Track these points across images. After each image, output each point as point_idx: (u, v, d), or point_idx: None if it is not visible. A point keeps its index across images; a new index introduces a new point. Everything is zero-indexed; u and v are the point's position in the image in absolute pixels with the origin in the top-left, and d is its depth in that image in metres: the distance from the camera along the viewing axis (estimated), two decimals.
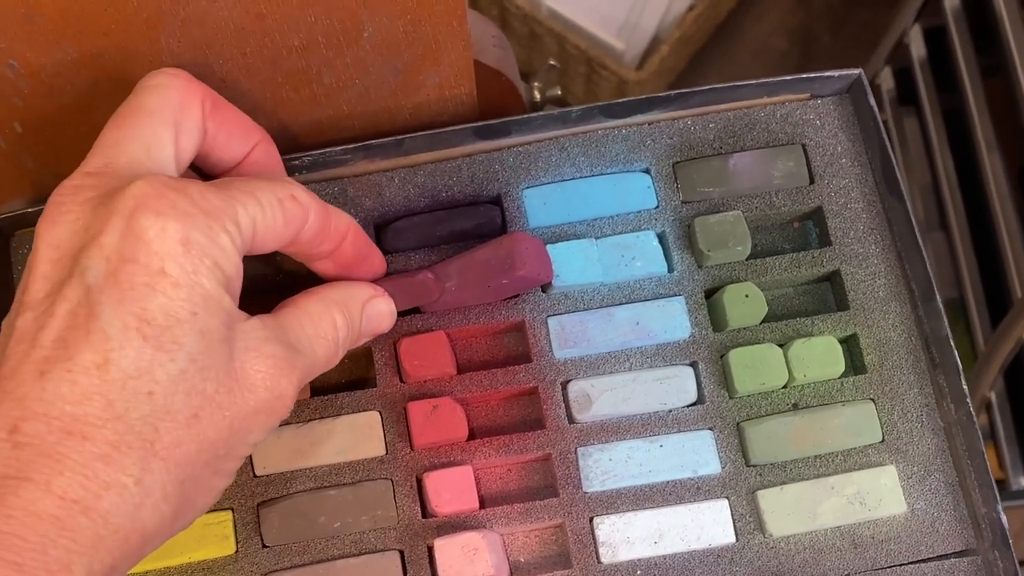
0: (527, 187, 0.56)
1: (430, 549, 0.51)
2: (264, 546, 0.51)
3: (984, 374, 1.25)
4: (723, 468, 0.52)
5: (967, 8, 1.29)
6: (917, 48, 1.39)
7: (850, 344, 0.54)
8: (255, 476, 0.52)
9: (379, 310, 0.48)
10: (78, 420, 0.35)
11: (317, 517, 0.51)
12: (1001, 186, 1.21)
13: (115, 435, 0.36)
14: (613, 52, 1.52)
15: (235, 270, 0.40)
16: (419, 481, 0.52)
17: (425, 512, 0.52)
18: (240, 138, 0.46)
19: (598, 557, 0.51)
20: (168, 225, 0.37)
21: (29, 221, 0.55)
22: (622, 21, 1.52)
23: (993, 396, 1.29)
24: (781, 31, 1.72)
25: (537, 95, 0.72)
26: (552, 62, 0.70)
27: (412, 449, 0.52)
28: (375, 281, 0.50)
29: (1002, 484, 1.31)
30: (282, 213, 0.42)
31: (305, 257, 0.47)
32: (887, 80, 1.47)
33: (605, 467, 0.52)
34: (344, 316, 0.45)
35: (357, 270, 0.49)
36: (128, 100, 0.43)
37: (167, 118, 0.42)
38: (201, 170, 0.47)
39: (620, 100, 0.55)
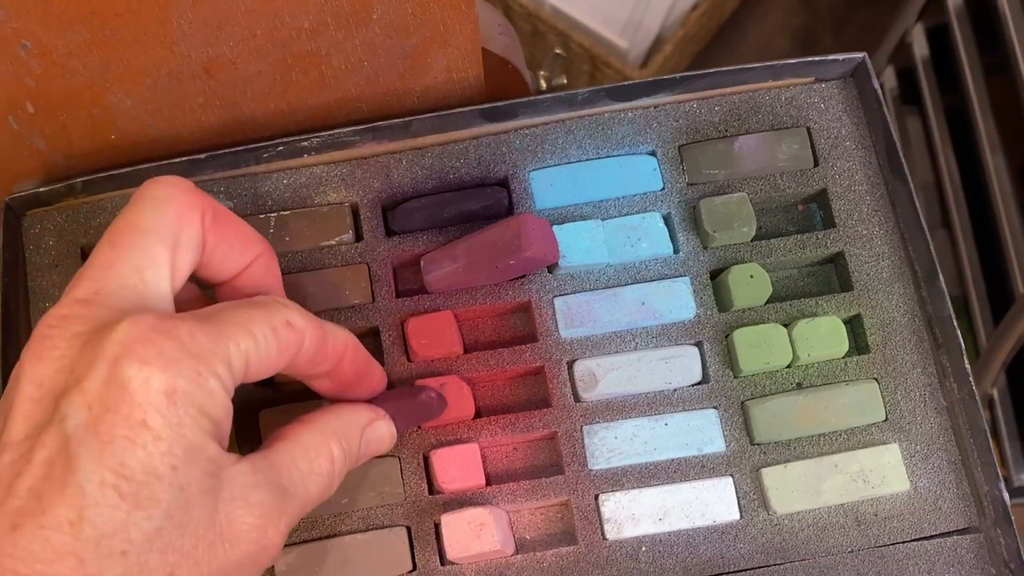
0: (534, 169, 0.56)
1: (437, 526, 0.51)
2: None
3: (986, 371, 1.25)
4: (727, 446, 0.52)
5: (970, 7, 1.29)
6: (920, 47, 1.39)
7: (854, 324, 0.54)
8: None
9: (379, 434, 0.47)
10: None
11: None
12: (1004, 184, 1.21)
13: None
14: (617, 50, 1.53)
15: (223, 413, 0.38)
16: (426, 459, 0.52)
17: (432, 489, 0.52)
18: (240, 251, 0.44)
19: (603, 534, 0.51)
20: (152, 375, 0.36)
21: (40, 201, 0.56)
22: (626, 20, 1.52)
23: (995, 393, 1.29)
24: (784, 31, 1.72)
25: (543, 83, 0.73)
26: (558, 51, 0.71)
27: (420, 427, 0.52)
28: (375, 400, 0.48)
29: (1005, 481, 1.31)
30: (276, 342, 0.40)
31: (302, 377, 0.45)
32: (890, 79, 1.48)
33: (611, 445, 0.52)
34: (342, 447, 0.44)
35: (356, 388, 0.47)
36: (124, 213, 0.41)
37: (163, 236, 0.40)
38: (197, 280, 0.46)
39: (626, 83, 0.56)
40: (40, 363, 0.37)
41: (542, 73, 0.72)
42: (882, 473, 0.51)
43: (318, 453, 0.43)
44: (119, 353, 0.36)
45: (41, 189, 0.55)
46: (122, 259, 0.39)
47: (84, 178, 0.55)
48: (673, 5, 1.51)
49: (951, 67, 1.30)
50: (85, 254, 0.56)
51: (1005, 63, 1.14)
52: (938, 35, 1.38)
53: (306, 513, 0.42)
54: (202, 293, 0.47)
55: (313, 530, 0.51)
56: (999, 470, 0.50)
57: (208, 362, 0.37)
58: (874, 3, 1.69)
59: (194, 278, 0.44)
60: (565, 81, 0.72)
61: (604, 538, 0.51)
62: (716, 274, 0.55)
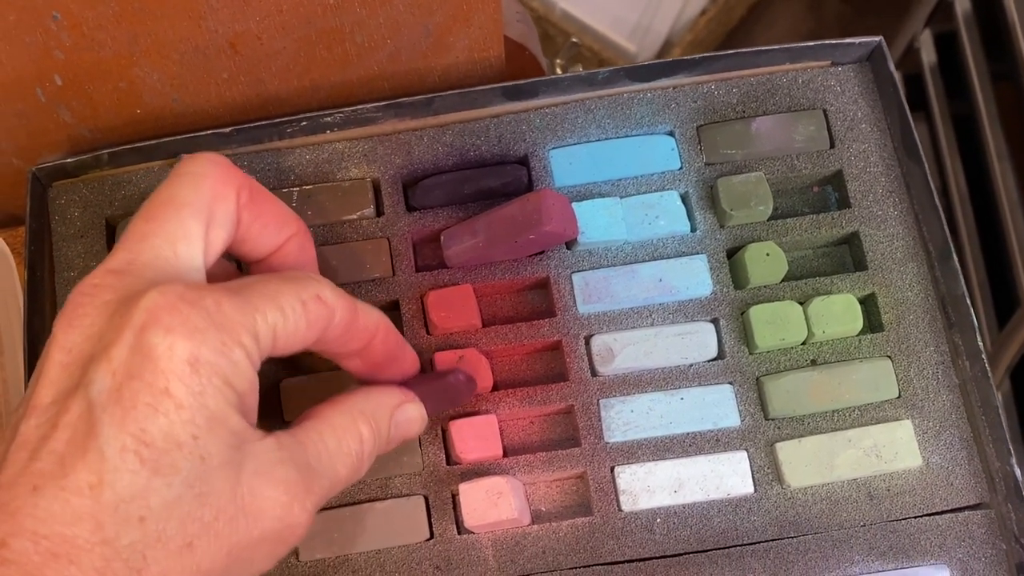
0: (553, 147, 0.57)
1: (454, 495, 0.52)
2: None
3: (991, 375, 1.25)
4: (742, 421, 0.53)
5: (978, 13, 1.30)
6: (927, 53, 1.40)
7: (868, 303, 0.55)
8: (284, 421, 0.53)
9: (409, 416, 0.46)
10: (66, 541, 0.34)
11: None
12: (1011, 191, 1.22)
13: (102, 560, 0.34)
14: (625, 54, 1.54)
15: (248, 385, 0.38)
16: (444, 429, 0.53)
17: (449, 459, 0.53)
18: (275, 229, 0.45)
19: (619, 505, 0.52)
20: (176, 343, 0.36)
21: (66, 172, 0.56)
22: (634, 24, 1.53)
23: (999, 397, 1.29)
24: (791, 38, 1.73)
25: (559, 71, 0.74)
26: (574, 39, 0.71)
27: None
28: (406, 383, 0.48)
29: None
30: (305, 316, 0.40)
31: (333, 355, 0.45)
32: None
33: (627, 418, 0.53)
34: (371, 427, 0.44)
35: (387, 370, 0.47)
36: (161, 188, 0.41)
37: (199, 210, 0.41)
38: (232, 257, 0.46)
39: (646, 63, 0.56)
40: (71, 330, 0.37)
41: (558, 61, 0.73)
42: (895, 449, 0.52)
43: (346, 432, 0.43)
44: (145, 321, 0.36)
45: (67, 160, 0.56)
46: (156, 232, 0.40)
47: (110, 150, 0.56)
48: (682, 10, 1.52)
49: (959, 74, 1.30)
50: (110, 225, 0.56)
51: (1013, 70, 1.15)
52: (946, 42, 1.38)
53: (334, 494, 0.42)
54: (237, 271, 0.47)
55: (332, 498, 0.52)
56: (1010, 446, 0.51)
57: (234, 333, 0.37)
58: (881, 10, 1.70)
59: (229, 256, 0.45)
60: (581, 69, 0.72)
61: (619, 509, 0.52)
62: (732, 253, 0.55)
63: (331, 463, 0.41)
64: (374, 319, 0.45)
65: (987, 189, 1.25)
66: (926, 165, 0.54)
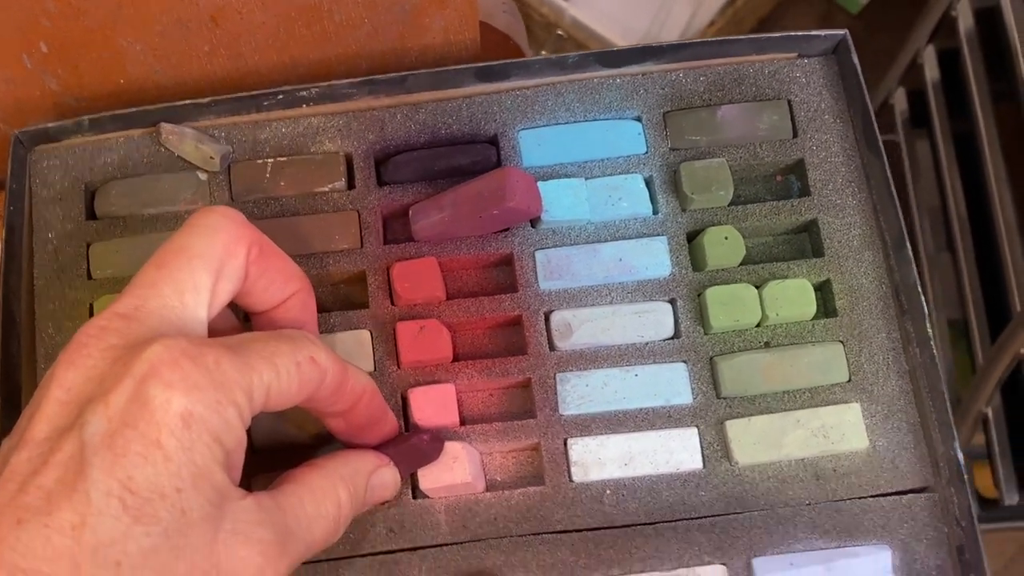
0: (523, 128, 0.58)
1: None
2: (255, 450, 0.53)
3: (982, 389, 1.26)
4: (694, 399, 0.54)
5: (981, 31, 1.30)
6: (931, 69, 1.41)
7: (823, 289, 0.56)
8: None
9: (384, 481, 0.49)
10: None
11: (307, 427, 0.54)
12: (1008, 212, 1.22)
13: None
14: None
15: (236, 443, 0.39)
16: (404, 397, 0.54)
17: (408, 427, 0.54)
18: (280, 286, 0.46)
19: (570, 476, 0.53)
20: (174, 397, 0.37)
21: (48, 137, 0.58)
22: (644, 32, 1.55)
23: (990, 412, 1.30)
24: None
25: None
26: (560, 32, 0.73)
27: (399, 367, 0.54)
28: (381, 447, 0.50)
29: (995, 503, 1.32)
30: (298, 376, 0.41)
31: (318, 413, 0.46)
32: (900, 101, 1.49)
33: (582, 392, 0.54)
34: (349, 492, 0.45)
35: (368, 432, 0.49)
36: (175, 236, 0.42)
37: (209, 262, 0.42)
38: (236, 308, 0.47)
39: (615, 49, 0.58)
40: (72, 369, 0.39)
41: (544, 53, 0.74)
42: (842, 430, 0.53)
43: (326, 496, 0.44)
44: (147, 372, 0.37)
45: (49, 125, 0.57)
46: (166, 280, 0.41)
47: (90, 116, 0.57)
48: (691, 21, 1.54)
49: (961, 92, 1.31)
50: (88, 191, 0.58)
51: (1014, 91, 1.15)
52: (949, 58, 1.39)
53: (308, 557, 0.43)
54: (237, 321, 0.49)
55: (290, 463, 0.53)
56: (955, 431, 0.52)
57: (230, 391, 0.39)
58: (892, 27, 1.71)
59: (232, 305, 0.46)
60: None
61: (571, 480, 0.53)
62: (693, 236, 0.57)
63: (309, 527, 0.43)
64: (362, 383, 0.46)
65: (985, 207, 1.25)
66: (885, 158, 0.56)
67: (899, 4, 1.66)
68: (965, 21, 1.33)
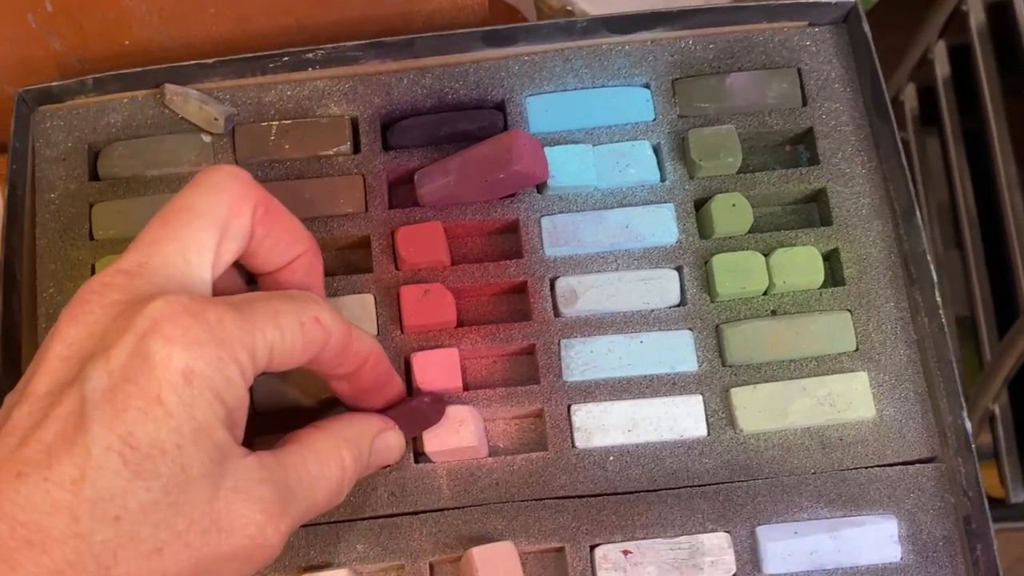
0: (530, 94, 0.58)
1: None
2: (255, 412, 0.53)
3: (989, 386, 1.25)
4: (699, 366, 0.54)
5: (992, 27, 1.30)
6: (941, 65, 1.40)
7: (832, 258, 0.56)
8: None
9: (388, 444, 0.48)
10: (42, 531, 0.35)
11: (310, 390, 0.53)
12: (1018, 209, 1.21)
13: (74, 554, 0.35)
14: None
15: (238, 401, 0.39)
16: (407, 361, 0.54)
17: (411, 392, 0.53)
18: (286, 246, 0.45)
19: (573, 442, 0.53)
20: (175, 353, 0.37)
21: (52, 96, 0.58)
22: None
23: (997, 409, 1.29)
24: None
25: None
26: (568, 7, 0.72)
27: (402, 331, 0.54)
28: (384, 410, 0.49)
29: (1002, 501, 1.31)
30: (302, 336, 0.41)
31: (323, 375, 0.46)
32: (911, 98, 1.48)
33: (586, 358, 0.54)
34: (353, 454, 0.45)
35: (373, 396, 0.49)
36: (180, 195, 0.42)
37: (214, 221, 0.41)
38: (242, 268, 0.47)
39: (625, 14, 0.57)
40: (74, 324, 0.38)
41: None
42: (849, 399, 0.53)
43: (329, 458, 0.44)
44: (148, 328, 0.37)
45: (53, 84, 0.57)
46: (170, 238, 0.41)
47: (95, 75, 0.57)
48: None
49: (972, 90, 1.30)
50: (92, 151, 0.58)
51: None
52: (960, 55, 1.38)
53: (310, 518, 0.43)
54: (242, 282, 0.49)
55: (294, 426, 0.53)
56: (962, 401, 0.51)
57: (232, 349, 0.38)
58: (901, 25, 1.70)
59: (238, 266, 0.46)
60: None
61: (573, 446, 0.53)
62: (701, 205, 0.56)
63: (311, 487, 0.42)
64: (367, 346, 0.46)
65: (994, 204, 1.25)
66: (895, 126, 0.55)
67: (910, 0, 1.66)
68: (976, 16, 1.32)
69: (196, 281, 0.41)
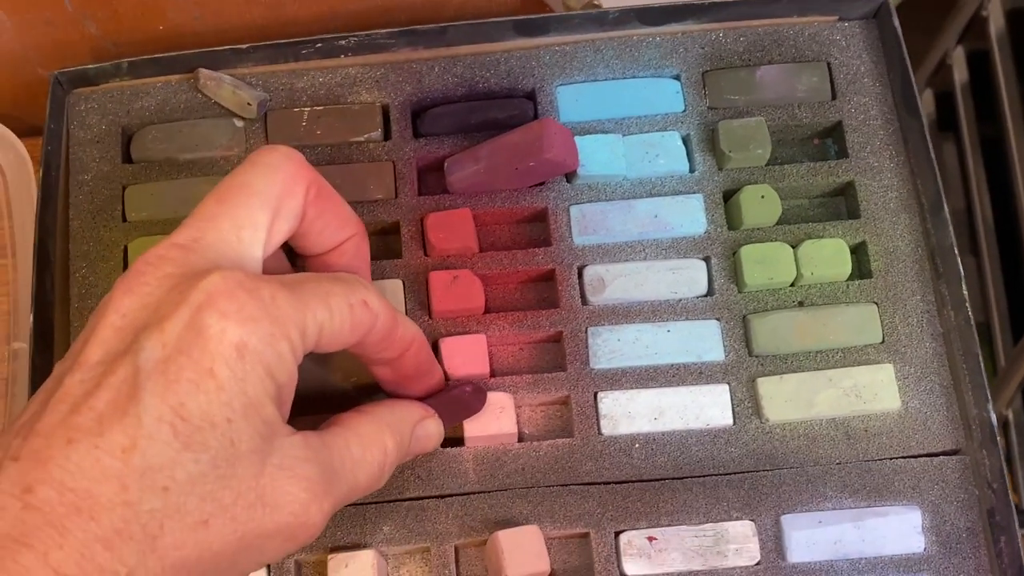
0: (561, 84, 0.58)
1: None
2: (298, 395, 0.53)
3: (1003, 391, 1.25)
4: (726, 356, 0.54)
5: (1012, 32, 1.30)
6: (959, 71, 1.40)
7: (859, 251, 0.56)
8: None
9: (428, 432, 0.49)
10: (91, 497, 0.35)
11: (352, 376, 0.54)
12: None
13: (122, 522, 0.35)
14: None
15: (288, 378, 0.40)
16: (435, 347, 0.54)
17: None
18: (336, 228, 0.46)
19: (599, 429, 0.53)
20: (229, 327, 0.37)
21: (87, 79, 0.58)
22: None
23: (1010, 415, 1.29)
24: None
25: None
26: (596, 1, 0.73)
27: (431, 317, 0.54)
28: (425, 399, 0.50)
29: (1015, 507, 1.31)
30: (350, 318, 0.42)
31: (366, 359, 0.47)
32: (928, 103, 1.48)
33: (613, 346, 0.54)
34: (395, 440, 0.45)
35: (414, 383, 0.49)
36: (235, 173, 0.42)
37: (268, 200, 0.42)
38: (291, 250, 0.48)
39: (656, 5, 0.58)
40: (129, 295, 0.39)
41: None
42: (875, 390, 0.53)
43: (372, 442, 0.44)
44: (203, 301, 0.38)
45: (88, 67, 0.58)
46: (225, 214, 0.41)
47: (130, 59, 0.58)
48: None
49: (990, 96, 1.30)
50: (126, 134, 0.58)
51: None
52: (978, 60, 1.38)
53: (351, 501, 0.43)
54: (289, 264, 0.49)
55: (322, 411, 0.53)
56: (988, 393, 0.52)
57: (284, 326, 0.39)
58: (920, 27, 1.70)
59: (287, 247, 0.46)
60: None
61: (600, 433, 0.53)
62: (729, 196, 0.56)
63: (353, 470, 0.43)
64: (411, 332, 0.46)
65: (1011, 210, 1.25)
66: (924, 121, 0.55)
67: (929, 5, 1.66)
68: (996, 22, 1.32)
69: (248, 258, 0.41)
